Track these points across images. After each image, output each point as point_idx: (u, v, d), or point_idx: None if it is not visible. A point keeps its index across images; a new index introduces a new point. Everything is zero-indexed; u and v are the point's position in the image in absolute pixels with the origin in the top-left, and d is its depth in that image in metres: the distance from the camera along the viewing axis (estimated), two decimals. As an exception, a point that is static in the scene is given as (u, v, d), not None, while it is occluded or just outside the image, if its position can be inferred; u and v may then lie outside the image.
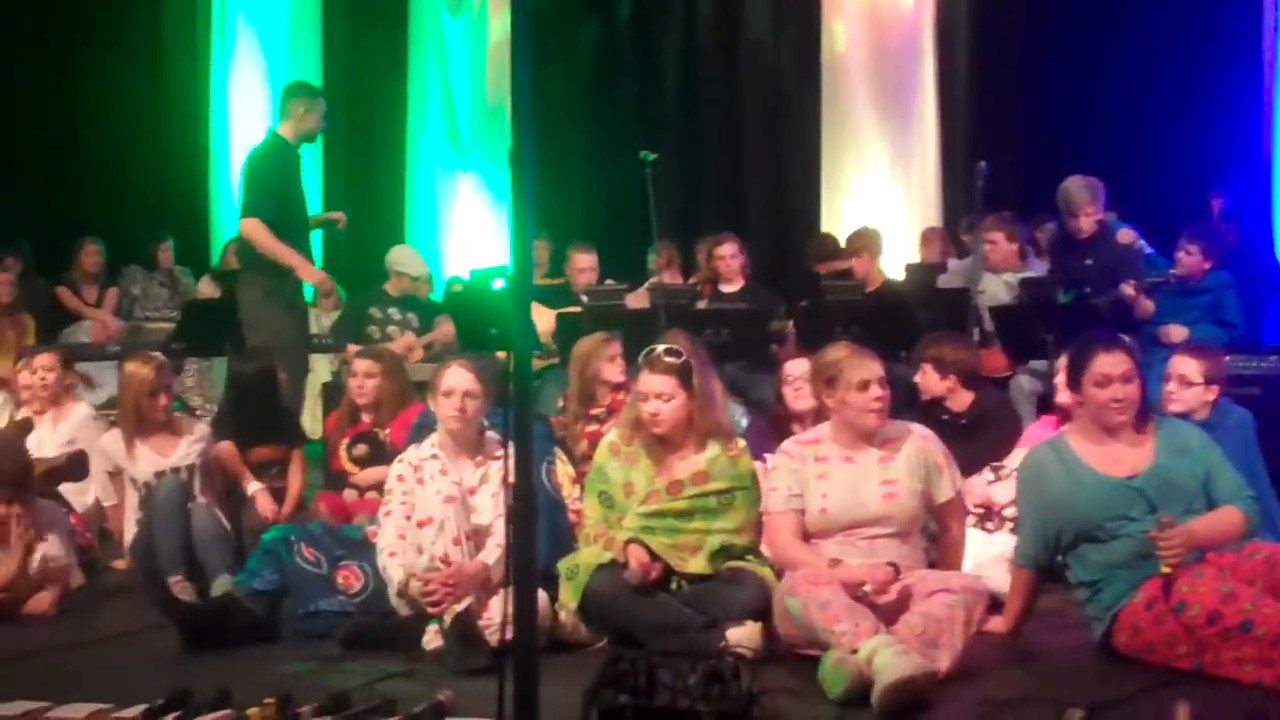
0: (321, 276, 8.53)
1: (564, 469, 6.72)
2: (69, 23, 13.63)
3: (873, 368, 5.36)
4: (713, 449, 5.55)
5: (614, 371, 7.34)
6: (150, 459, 6.95)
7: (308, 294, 8.79)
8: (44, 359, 7.91)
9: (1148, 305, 8.67)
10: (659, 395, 5.50)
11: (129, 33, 14.11)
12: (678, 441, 5.55)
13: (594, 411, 7.24)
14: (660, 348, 5.59)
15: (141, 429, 6.96)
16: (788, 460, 5.43)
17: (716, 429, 5.61)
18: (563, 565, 5.45)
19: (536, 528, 2.69)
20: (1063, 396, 5.95)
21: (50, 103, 13.64)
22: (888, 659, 4.55)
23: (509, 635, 2.96)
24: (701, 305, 9.75)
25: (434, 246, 14.03)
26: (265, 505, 7.11)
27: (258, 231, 8.20)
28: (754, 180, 13.82)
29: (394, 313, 10.11)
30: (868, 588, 5.00)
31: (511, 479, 2.74)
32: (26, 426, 7.58)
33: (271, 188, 8.29)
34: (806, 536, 5.35)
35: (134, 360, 7.15)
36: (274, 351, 7.80)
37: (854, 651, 4.67)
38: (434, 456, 5.71)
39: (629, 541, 5.39)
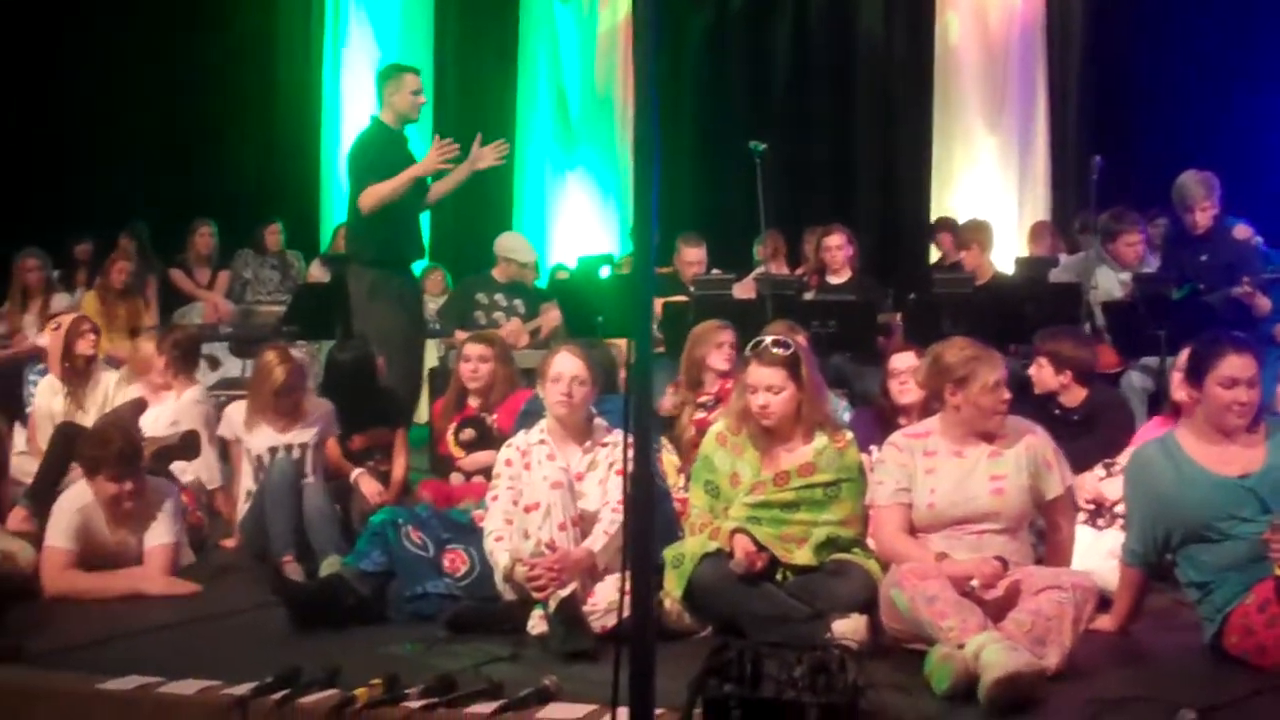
0: (433, 154, 8.48)
1: (669, 458, 6.73)
2: (185, 9, 13.82)
3: (1002, 368, 5.30)
4: (820, 440, 5.52)
5: (720, 359, 7.34)
6: (267, 434, 7.08)
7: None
8: (165, 339, 8.06)
9: (1264, 302, 8.51)
10: (769, 388, 5.47)
11: (243, 19, 14.28)
12: (785, 432, 5.53)
13: (701, 399, 7.24)
14: (768, 339, 5.56)
15: (266, 405, 7.07)
16: (896, 453, 5.39)
17: (824, 420, 5.59)
18: (668, 554, 5.44)
19: (654, 516, 2.69)
20: (1179, 393, 5.86)
21: (166, 88, 13.85)
22: (995, 654, 4.51)
23: (625, 622, 2.96)
24: (808, 296, 9.72)
25: (541, 234, 14.10)
26: (369, 488, 7.15)
27: (374, 191, 8.28)
28: (863, 172, 13.76)
29: (500, 298, 10.15)
30: (975, 583, 4.96)
31: (625, 467, 2.74)
32: (141, 406, 7.69)
33: (377, 172, 8.35)
34: (913, 530, 5.30)
35: (273, 353, 7.26)
36: (382, 342, 7.89)
37: (961, 647, 4.63)
38: (542, 442, 5.73)
39: (735, 531, 5.38)
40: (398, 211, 8.40)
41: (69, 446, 6.76)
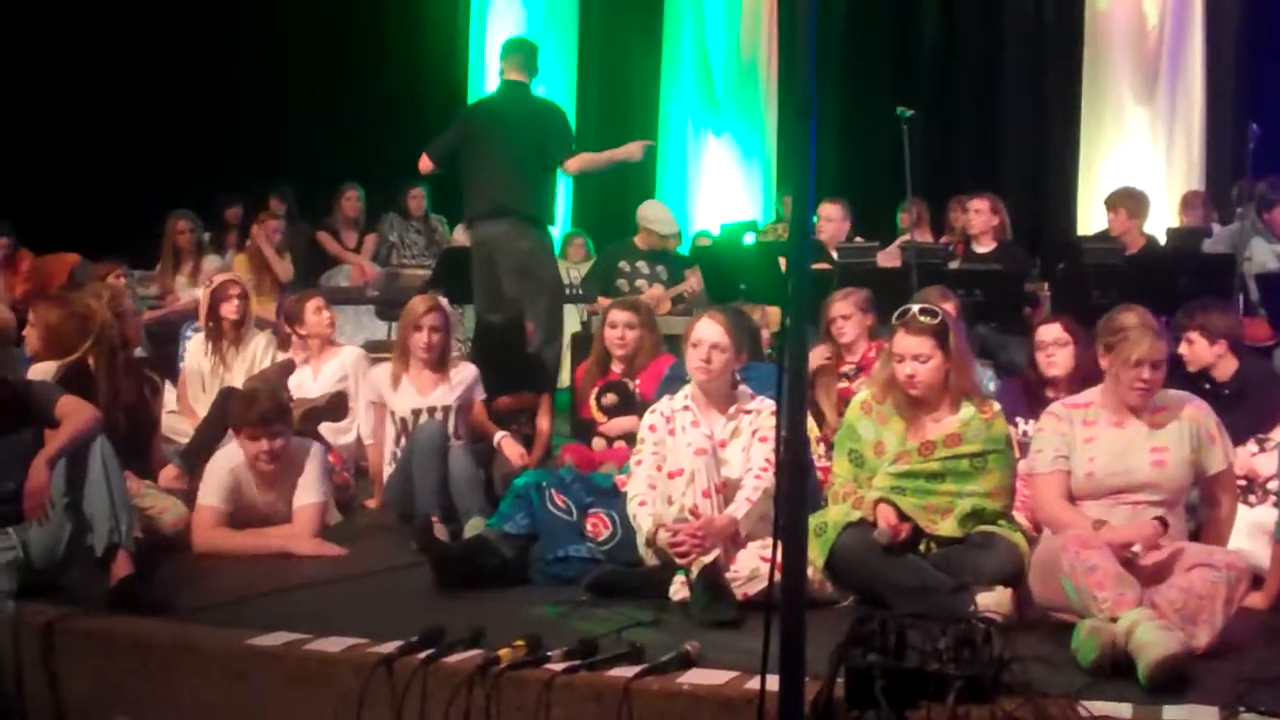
0: (637, 147, 8.87)
1: (810, 427, 6.69)
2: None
3: (1151, 348, 5.17)
4: (967, 411, 5.45)
5: (850, 328, 7.28)
6: (411, 396, 7.15)
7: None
8: (319, 301, 8.19)
9: None
10: (916, 357, 5.40)
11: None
12: (932, 402, 5.46)
13: (844, 368, 7.19)
14: (915, 308, 5.49)
15: (407, 365, 7.15)
16: (1054, 422, 5.31)
17: (972, 390, 5.52)
18: (811, 522, 5.40)
19: (806, 483, 2.68)
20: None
21: (314, 54, 14.03)
22: (1151, 633, 4.43)
23: (775, 590, 2.95)
24: (954, 265, 9.61)
25: (683, 200, 14.08)
26: (512, 451, 7.19)
27: (589, 159, 8.73)
28: (1010, 139, 13.56)
29: (643, 266, 10.17)
30: (1137, 548, 4.87)
31: (777, 434, 2.73)
32: (289, 368, 7.81)
33: (568, 131, 8.86)
34: (1071, 499, 5.23)
35: (418, 298, 7.40)
36: (545, 297, 7.98)
37: (1113, 620, 4.56)
38: (686, 408, 5.71)
39: (879, 501, 5.34)
40: (556, 179, 8.59)
41: (229, 409, 6.87)
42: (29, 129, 12.62)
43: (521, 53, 8.88)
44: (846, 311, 7.26)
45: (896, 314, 5.56)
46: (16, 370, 6.48)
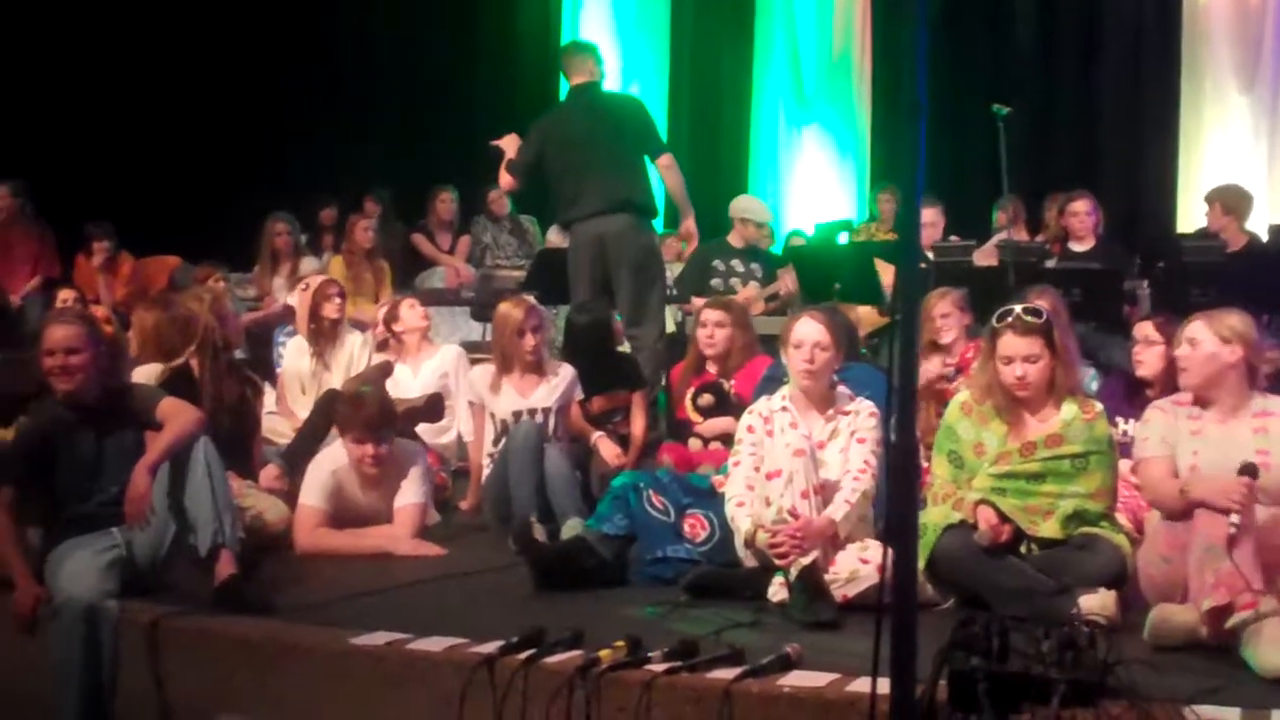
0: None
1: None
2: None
3: (1216, 347, 5.18)
4: (1069, 411, 5.39)
5: (950, 326, 7.23)
6: (511, 398, 7.19)
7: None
8: (412, 299, 8.26)
9: None
10: (1026, 358, 5.34)
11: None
12: (1034, 402, 5.41)
13: (944, 370, 7.14)
14: (1018, 308, 5.44)
15: (508, 367, 7.18)
16: (1160, 415, 5.25)
17: (1075, 390, 5.46)
18: (911, 523, 5.37)
19: (917, 486, 2.66)
20: None
21: (409, 57, 14.14)
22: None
23: (885, 592, 2.94)
24: (1051, 264, 9.52)
25: (775, 199, 14.04)
26: (608, 450, 7.21)
27: (676, 165, 8.67)
28: (1107, 134, 13.39)
29: (737, 264, 10.16)
30: (1234, 520, 4.73)
31: (886, 436, 2.71)
32: (386, 369, 7.86)
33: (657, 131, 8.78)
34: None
35: (507, 302, 7.43)
36: (660, 294, 8.02)
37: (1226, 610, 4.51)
38: (784, 409, 5.70)
39: (979, 502, 5.29)
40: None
41: (331, 411, 6.93)
42: (129, 134, 12.79)
43: (587, 54, 8.89)
44: (946, 310, 7.23)
45: (997, 314, 5.50)
46: (124, 374, 6.56)
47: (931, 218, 10.06)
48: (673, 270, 11.18)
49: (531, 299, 7.67)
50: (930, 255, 9.45)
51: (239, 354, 8.14)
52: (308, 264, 11.02)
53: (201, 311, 6.90)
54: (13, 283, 10.78)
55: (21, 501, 5.55)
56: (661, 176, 8.64)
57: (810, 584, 5.19)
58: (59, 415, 5.58)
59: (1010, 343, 5.38)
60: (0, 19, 12.61)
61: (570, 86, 8.97)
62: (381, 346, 8.39)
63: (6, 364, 6.17)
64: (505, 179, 8.89)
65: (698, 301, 9.02)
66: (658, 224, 9.06)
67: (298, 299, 8.51)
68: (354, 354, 8.20)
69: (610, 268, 8.49)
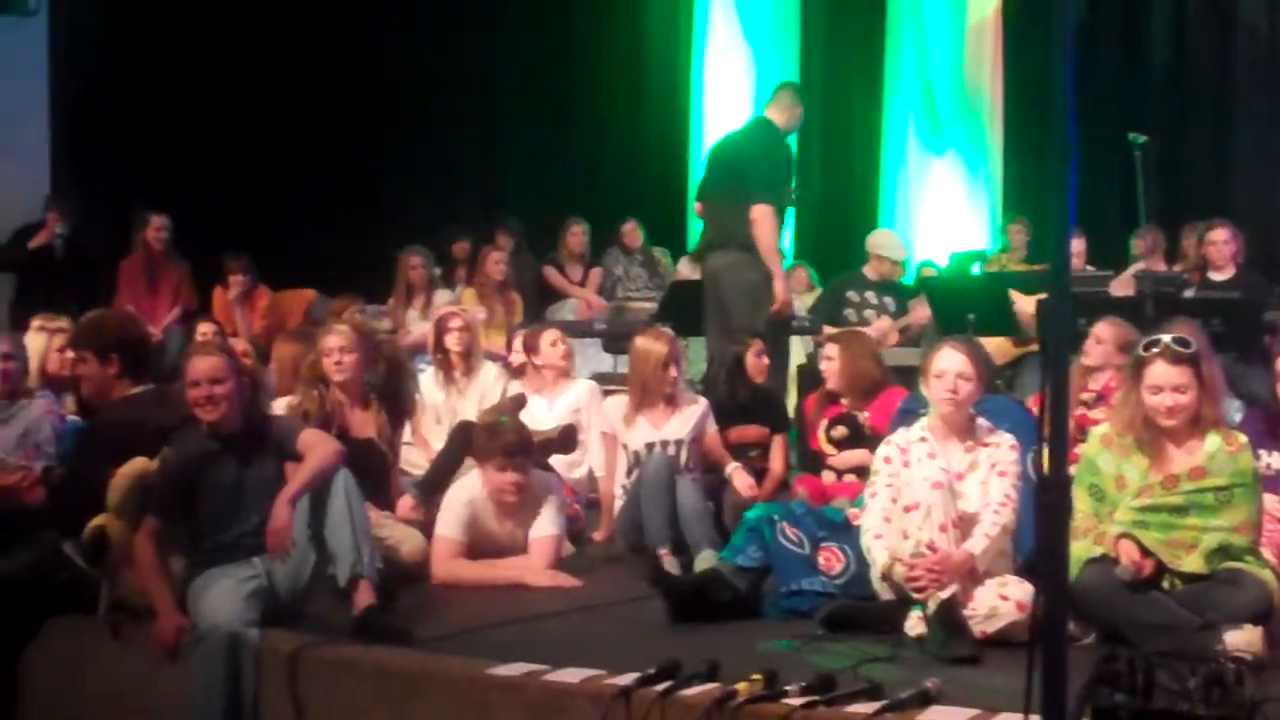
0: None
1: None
2: (559, 17, 14.23)
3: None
4: (1213, 443, 5.29)
5: (1100, 353, 7.15)
6: (644, 429, 7.20)
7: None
8: (556, 334, 8.32)
9: None
10: (1175, 387, 5.25)
11: (614, 24, 14.60)
12: (1178, 434, 5.31)
13: (1083, 396, 7.05)
14: (1167, 337, 5.35)
15: (646, 400, 7.20)
16: None
17: (1219, 422, 5.37)
18: (1050, 558, 5.29)
19: (1068, 521, 2.64)
20: None
21: (539, 91, 14.28)
22: None
23: (1034, 628, 2.90)
24: (1189, 294, 9.37)
25: (906, 228, 13.97)
26: (741, 482, 7.18)
27: (767, 220, 8.49)
28: (1244, 162, 13.17)
29: (871, 296, 10.12)
30: None
31: (1040, 470, 2.69)
32: (520, 401, 7.90)
33: (772, 173, 8.61)
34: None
35: (646, 335, 7.45)
36: (776, 329, 8.00)
37: None
38: (922, 440, 5.63)
39: (1121, 536, 5.20)
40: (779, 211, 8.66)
41: (466, 442, 6.97)
42: (266, 168, 13.01)
43: (776, 91, 8.95)
44: (1104, 336, 7.16)
45: (1144, 343, 5.40)
46: (264, 406, 6.66)
47: (1074, 249, 9.95)
48: (803, 301, 11.16)
49: (670, 332, 7.67)
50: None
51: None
52: (441, 296, 11.13)
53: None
54: (154, 316, 10.99)
55: (165, 531, 5.65)
56: (755, 220, 8.63)
57: (948, 619, 5.13)
58: (202, 446, 5.67)
59: (1160, 372, 5.27)
60: (142, 56, 12.92)
61: None
62: (518, 373, 8.45)
63: (150, 396, 6.26)
64: (697, 205, 9.00)
65: (828, 332, 9.00)
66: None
67: (430, 332, 8.63)
68: (488, 385, 8.27)
69: (726, 302, 8.72)
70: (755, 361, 7.65)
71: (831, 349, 7.61)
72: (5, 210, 11.57)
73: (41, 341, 7.71)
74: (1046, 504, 2.60)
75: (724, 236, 8.75)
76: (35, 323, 8.01)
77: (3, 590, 5.92)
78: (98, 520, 5.80)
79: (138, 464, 5.77)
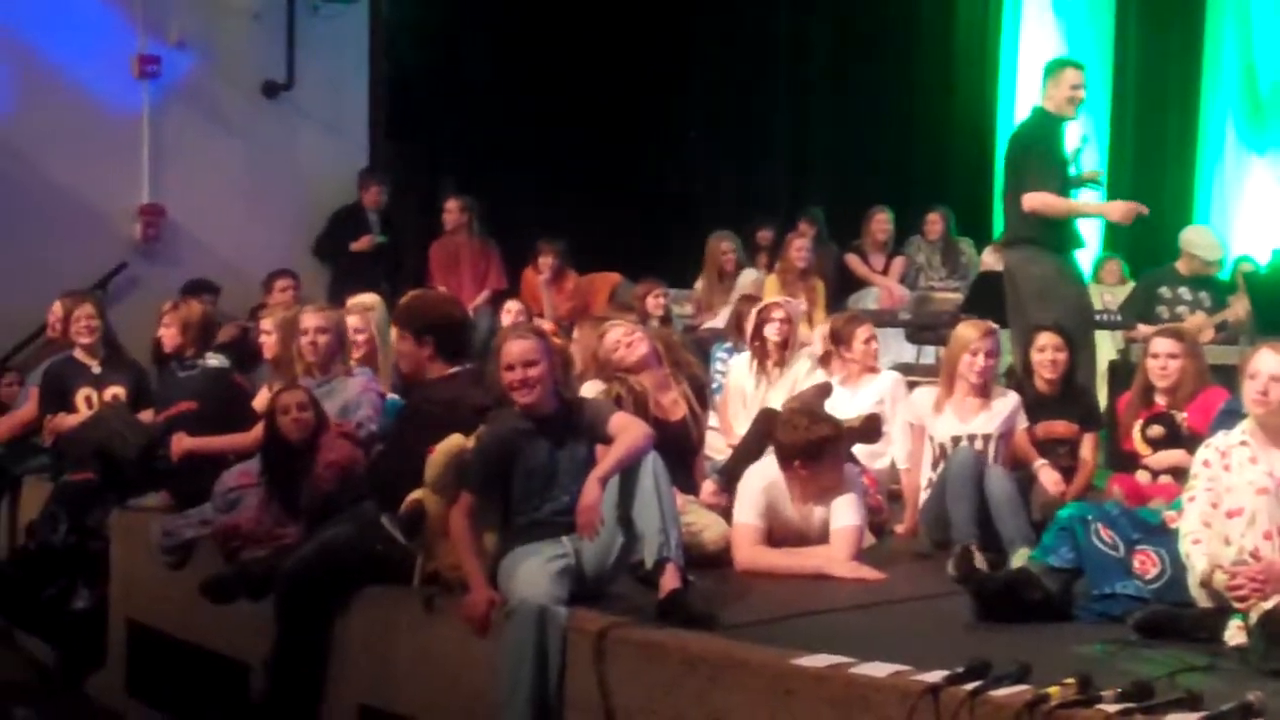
0: (1127, 211, 8.58)
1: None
2: (873, 16, 14.18)
3: None
4: None
5: None
6: (952, 422, 7.11)
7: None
8: (869, 329, 8.33)
9: None
10: None
11: (925, 15, 14.49)
12: None
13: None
14: None
15: (954, 390, 7.12)
16: None
17: None
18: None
19: None
20: None
21: (846, 78, 14.30)
22: None
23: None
24: None
25: (1224, 221, 13.50)
26: (1049, 479, 7.03)
27: (1048, 202, 8.29)
28: None
29: (1184, 292, 9.85)
30: None
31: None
32: (825, 390, 7.88)
33: (1040, 162, 8.38)
34: None
35: (966, 323, 7.41)
36: (1073, 323, 7.81)
37: None
38: (1243, 443, 5.42)
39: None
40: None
41: (767, 429, 6.97)
42: (581, 154, 13.23)
43: (1043, 76, 8.75)
44: None
45: None
46: (571, 388, 6.78)
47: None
48: (1114, 294, 10.89)
49: (988, 323, 7.53)
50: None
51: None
52: (746, 275, 11.19)
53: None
54: (460, 295, 11.27)
55: (479, 508, 5.78)
56: (1029, 209, 8.42)
57: (1272, 630, 4.92)
58: (518, 426, 5.79)
59: None
60: (459, 41, 13.27)
61: None
62: (823, 361, 8.42)
63: (467, 375, 6.43)
64: None
65: (1144, 329, 8.74)
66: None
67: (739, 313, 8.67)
68: (799, 376, 8.24)
69: (1021, 297, 8.55)
70: (1041, 357, 7.47)
71: (1173, 346, 7.33)
72: (325, 187, 12.05)
73: (354, 320, 7.97)
74: None
75: (1012, 231, 8.69)
76: (349, 301, 8.33)
77: (327, 558, 6.17)
78: (415, 495, 5.98)
79: (455, 441, 5.93)
